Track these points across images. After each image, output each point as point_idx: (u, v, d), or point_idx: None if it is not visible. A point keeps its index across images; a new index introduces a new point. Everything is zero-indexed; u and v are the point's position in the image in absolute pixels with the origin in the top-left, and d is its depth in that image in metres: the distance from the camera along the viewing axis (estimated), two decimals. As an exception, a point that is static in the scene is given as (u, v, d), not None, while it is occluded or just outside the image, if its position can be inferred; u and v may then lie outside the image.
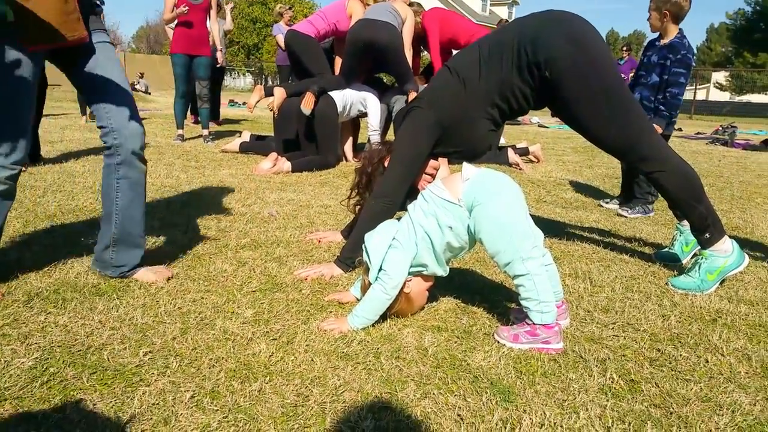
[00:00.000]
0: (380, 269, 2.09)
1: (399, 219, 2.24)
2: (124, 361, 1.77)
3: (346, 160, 6.24)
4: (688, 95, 25.45)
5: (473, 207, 2.02)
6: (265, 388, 1.65)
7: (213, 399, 1.59)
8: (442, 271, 2.19)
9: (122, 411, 1.52)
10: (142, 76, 24.24)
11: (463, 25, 6.23)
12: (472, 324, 2.18)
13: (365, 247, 2.16)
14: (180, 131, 7.48)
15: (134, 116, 2.31)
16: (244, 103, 16.02)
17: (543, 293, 1.99)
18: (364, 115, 6.10)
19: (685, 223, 2.88)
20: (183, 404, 1.56)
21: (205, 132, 7.61)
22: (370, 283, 2.12)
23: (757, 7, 33.59)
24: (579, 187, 5.38)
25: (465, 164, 2.10)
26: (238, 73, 41.26)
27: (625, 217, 4.21)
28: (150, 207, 3.67)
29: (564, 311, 2.21)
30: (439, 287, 2.45)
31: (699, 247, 2.76)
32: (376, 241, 2.13)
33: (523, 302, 2.03)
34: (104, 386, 1.63)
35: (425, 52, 6.76)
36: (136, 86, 22.24)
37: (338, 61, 6.16)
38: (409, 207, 2.19)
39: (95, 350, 1.82)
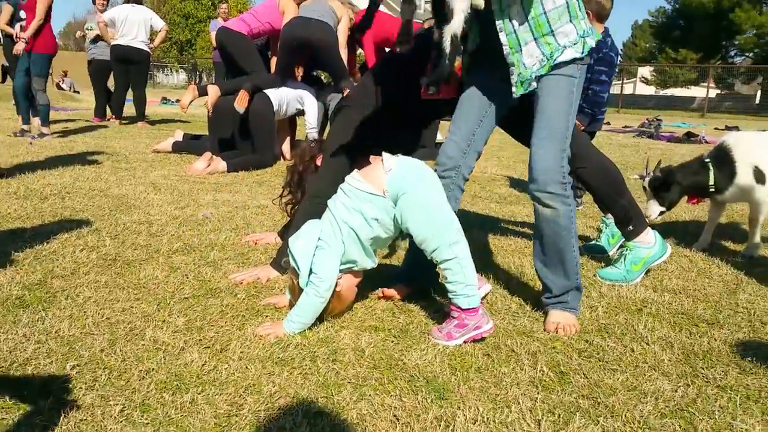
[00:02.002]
0: (310, 272, 2.08)
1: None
2: (50, 375, 1.72)
3: (284, 158, 6.19)
4: (615, 90, 26.27)
5: (399, 197, 2.04)
6: (197, 398, 1.62)
7: (143, 412, 1.56)
8: (371, 263, 2.21)
9: (49, 428, 1.47)
10: (65, 74, 23.32)
11: (396, 25, 6.25)
12: (408, 322, 2.20)
13: (290, 251, 2.15)
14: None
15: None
16: (177, 101, 15.67)
17: (469, 277, 2.04)
18: (302, 113, 6.07)
19: (610, 216, 2.98)
20: (112, 419, 1.52)
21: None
22: (299, 287, 2.11)
23: (677, 5, 34.94)
24: (513, 182, 5.49)
25: (385, 155, 2.11)
26: (170, 69, 40.31)
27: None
28: (77, 212, 3.56)
29: (479, 278, 2.25)
30: (376, 287, 2.47)
31: (624, 239, 2.87)
32: (301, 244, 2.12)
33: (449, 286, 2.06)
34: (29, 403, 1.57)
35: (361, 51, 6.77)
36: (61, 85, 21.41)
37: (274, 60, 6.11)
38: (330, 203, 2.18)
39: (19, 366, 1.75)
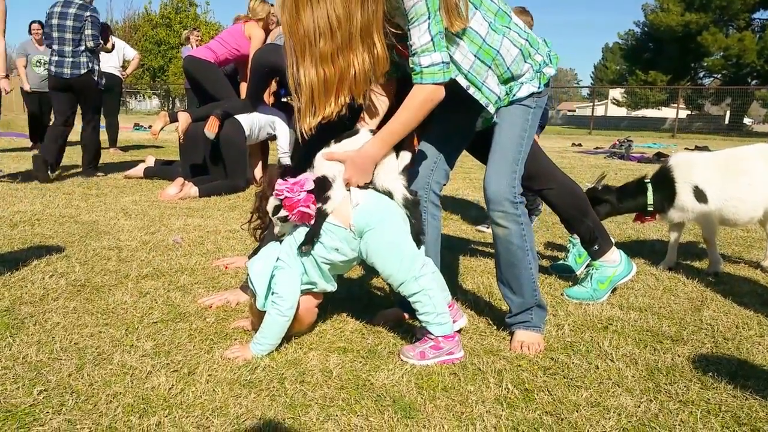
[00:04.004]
0: (270, 293, 2.10)
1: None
2: (16, 401, 1.71)
3: (256, 183, 6.19)
4: (587, 111, 26.66)
5: (365, 232, 2.06)
6: (164, 421, 1.63)
7: (110, 436, 1.56)
8: (330, 287, 2.22)
9: (12, 455, 1.47)
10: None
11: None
12: (377, 343, 2.22)
13: (248, 273, 2.16)
14: None
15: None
16: (150, 127, 15.61)
17: (439, 305, 2.08)
18: (274, 138, 6.10)
19: (577, 236, 3.04)
20: (78, 443, 1.52)
21: None
22: (257, 309, 2.12)
23: (645, 29, 35.77)
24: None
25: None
26: (143, 96, 40.22)
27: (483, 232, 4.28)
28: (47, 238, 3.54)
29: (456, 310, 2.30)
30: (346, 308, 2.50)
31: (590, 259, 2.92)
32: (258, 266, 2.14)
33: (421, 317, 2.09)
34: (-6, 430, 1.57)
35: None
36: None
37: (243, 86, 6.14)
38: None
39: (-16, 392, 1.75)
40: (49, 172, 6.03)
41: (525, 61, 2.19)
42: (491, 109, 2.18)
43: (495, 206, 2.21)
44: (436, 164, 2.38)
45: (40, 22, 9.51)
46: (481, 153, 2.67)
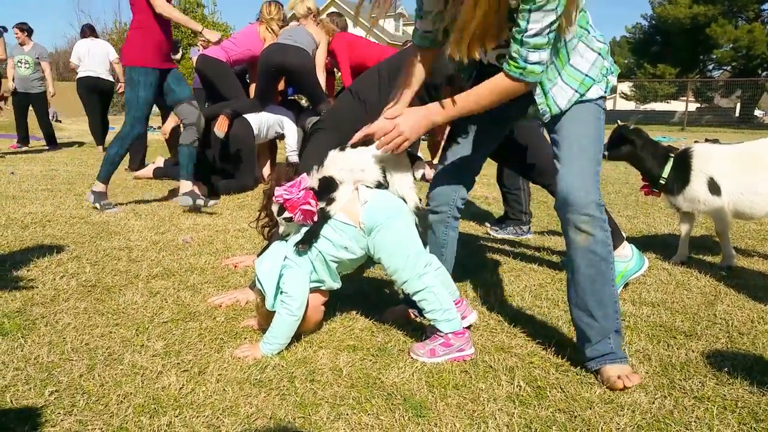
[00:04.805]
0: (279, 292, 2.09)
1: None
2: (28, 402, 1.71)
3: (265, 182, 6.19)
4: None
5: (374, 228, 2.06)
6: (174, 421, 1.62)
7: (121, 436, 1.56)
8: (337, 285, 2.23)
9: (24, 456, 1.47)
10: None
11: (370, 49, 6.28)
12: (387, 341, 2.21)
13: (256, 273, 2.16)
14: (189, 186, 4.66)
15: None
16: (159, 128, 15.60)
17: (444, 302, 2.07)
18: (282, 137, 6.10)
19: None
20: (89, 444, 1.52)
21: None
22: (265, 309, 2.12)
23: (653, 22, 35.47)
24: (493, 202, 5.52)
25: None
26: (152, 96, 40.32)
27: (492, 236, 4.14)
28: (58, 239, 3.55)
29: (465, 306, 2.29)
30: (355, 306, 2.49)
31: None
32: (266, 266, 2.13)
33: (428, 315, 2.09)
34: (6, 430, 1.56)
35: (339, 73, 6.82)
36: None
37: (254, 87, 6.14)
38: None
39: (-4, 394, 1.75)
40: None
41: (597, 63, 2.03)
42: (547, 117, 2.02)
43: (580, 209, 1.91)
44: (463, 179, 2.33)
45: (19, 25, 9.50)
46: (497, 150, 2.64)
